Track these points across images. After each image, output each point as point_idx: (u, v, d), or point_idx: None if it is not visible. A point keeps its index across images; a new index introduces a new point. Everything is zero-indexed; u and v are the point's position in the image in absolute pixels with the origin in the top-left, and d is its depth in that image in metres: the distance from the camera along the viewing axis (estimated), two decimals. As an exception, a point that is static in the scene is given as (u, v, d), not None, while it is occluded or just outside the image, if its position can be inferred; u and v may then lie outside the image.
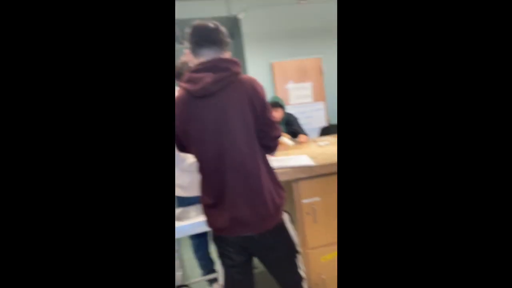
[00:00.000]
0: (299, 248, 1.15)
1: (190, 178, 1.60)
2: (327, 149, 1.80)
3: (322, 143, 2.02)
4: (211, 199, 1.05)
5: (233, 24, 3.79)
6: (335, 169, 1.41)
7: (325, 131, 3.61)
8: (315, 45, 3.69)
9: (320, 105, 3.68)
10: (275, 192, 1.06)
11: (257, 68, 3.58)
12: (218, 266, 1.16)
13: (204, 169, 1.06)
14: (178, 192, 1.65)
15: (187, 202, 1.63)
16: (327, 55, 3.67)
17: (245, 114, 0.99)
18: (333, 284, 1.50)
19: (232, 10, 3.46)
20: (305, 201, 1.43)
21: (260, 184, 1.02)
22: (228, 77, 0.98)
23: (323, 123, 3.64)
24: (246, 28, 3.55)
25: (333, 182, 1.44)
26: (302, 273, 1.16)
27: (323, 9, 3.60)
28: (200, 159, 1.05)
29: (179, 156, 1.52)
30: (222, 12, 3.46)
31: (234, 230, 1.05)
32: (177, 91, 1.63)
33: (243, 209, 1.01)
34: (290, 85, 3.62)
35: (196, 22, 1.05)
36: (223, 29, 1.05)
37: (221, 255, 1.14)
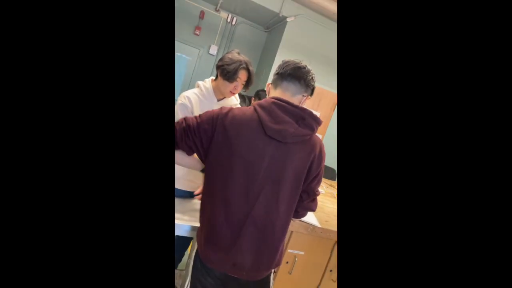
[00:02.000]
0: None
1: (182, 172, 1.49)
2: (325, 202, 1.78)
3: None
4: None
5: (277, 21, 3.64)
6: (334, 237, 1.39)
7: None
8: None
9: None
10: (281, 251, 1.03)
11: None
12: (187, 283, 1.09)
13: (223, 199, 0.92)
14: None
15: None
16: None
17: (301, 175, 0.92)
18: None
19: (284, 10, 3.32)
20: (290, 251, 1.40)
21: (277, 246, 0.97)
22: (307, 135, 0.90)
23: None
24: (287, 33, 3.42)
25: (323, 242, 1.43)
26: None
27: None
28: (224, 187, 0.91)
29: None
30: (275, 7, 3.30)
31: (227, 269, 0.98)
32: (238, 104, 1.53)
33: (248, 258, 0.95)
34: (301, 106, 3.56)
35: (289, 59, 0.96)
36: (312, 74, 0.96)
37: (198, 280, 1.07)
